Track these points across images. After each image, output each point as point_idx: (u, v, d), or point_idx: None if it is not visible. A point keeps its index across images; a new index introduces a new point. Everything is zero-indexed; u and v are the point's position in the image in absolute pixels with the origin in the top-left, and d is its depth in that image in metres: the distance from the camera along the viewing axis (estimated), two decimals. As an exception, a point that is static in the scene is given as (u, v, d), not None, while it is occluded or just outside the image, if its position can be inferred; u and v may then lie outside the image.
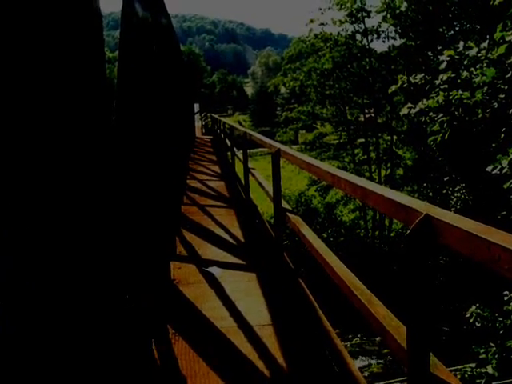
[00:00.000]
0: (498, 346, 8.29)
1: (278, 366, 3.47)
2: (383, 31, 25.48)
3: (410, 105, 7.91)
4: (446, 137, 7.06)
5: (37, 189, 1.47)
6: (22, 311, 1.47)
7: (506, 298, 8.23)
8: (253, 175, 7.51)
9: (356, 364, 3.22)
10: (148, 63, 4.39)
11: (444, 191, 17.96)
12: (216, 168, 13.76)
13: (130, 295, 3.39)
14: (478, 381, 8.20)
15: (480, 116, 6.76)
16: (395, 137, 25.52)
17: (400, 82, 8.73)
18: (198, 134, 26.25)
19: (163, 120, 5.47)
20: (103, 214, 1.90)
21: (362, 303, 2.60)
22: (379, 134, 26.21)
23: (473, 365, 8.66)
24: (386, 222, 25.12)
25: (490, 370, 8.16)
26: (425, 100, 7.51)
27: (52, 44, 1.51)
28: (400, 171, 25.83)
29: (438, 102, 7.05)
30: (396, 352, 2.22)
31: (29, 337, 1.47)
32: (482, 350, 8.56)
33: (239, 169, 9.69)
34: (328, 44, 26.83)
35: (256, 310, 4.31)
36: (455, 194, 16.74)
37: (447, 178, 17.58)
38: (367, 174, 25.94)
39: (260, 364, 3.48)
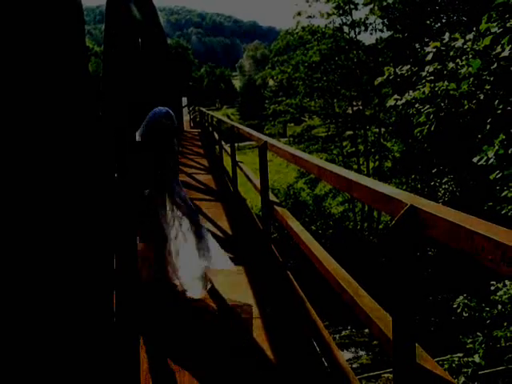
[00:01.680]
0: (484, 336, 8.36)
1: (266, 358, 3.47)
2: (371, 23, 25.56)
3: (396, 96, 7.92)
4: (433, 128, 7.08)
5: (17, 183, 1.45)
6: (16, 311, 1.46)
7: (492, 288, 8.30)
8: (240, 168, 7.50)
9: (345, 356, 3.23)
10: (135, 57, 4.37)
11: (432, 183, 18.05)
12: (204, 161, 13.73)
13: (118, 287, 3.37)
14: (464, 370, 8.27)
15: (466, 107, 6.78)
16: (383, 129, 25.61)
17: (386, 74, 8.73)
18: (186, 127, 26.16)
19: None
20: (90, 210, 1.88)
21: (349, 295, 2.60)
22: (367, 127, 26.27)
23: (460, 354, 8.73)
24: (375, 214, 25.23)
25: (476, 359, 8.24)
26: (411, 91, 7.52)
27: (31, 38, 1.49)
28: (388, 163, 25.91)
29: (424, 93, 7.06)
30: (382, 343, 2.23)
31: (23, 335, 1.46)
32: (469, 340, 8.63)
33: (227, 162, 9.67)
34: (315, 36, 26.84)
35: (244, 303, 4.31)
36: (443, 186, 16.83)
37: (435, 169, 17.67)
38: (355, 166, 26.02)
39: (248, 356, 3.48)
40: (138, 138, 4.33)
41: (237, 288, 4.59)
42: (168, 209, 4.45)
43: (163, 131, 4.36)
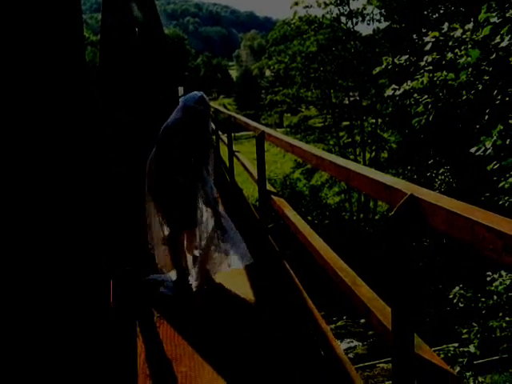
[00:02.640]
0: (480, 326, 8.39)
1: (263, 348, 3.47)
2: (368, 14, 25.46)
3: (394, 86, 7.89)
4: (431, 118, 7.06)
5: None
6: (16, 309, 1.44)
7: (488, 279, 8.32)
8: (237, 158, 7.48)
9: (341, 346, 3.23)
10: (130, 46, 4.34)
11: (428, 174, 18.04)
12: (201, 151, 13.67)
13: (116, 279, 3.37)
14: (460, 360, 8.30)
15: (464, 97, 6.76)
16: (380, 120, 25.58)
17: (385, 64, 8.69)
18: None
19: (146, 102, 5.41)
20: (92, 205, 1.86)
21: (346, 285, 2.60)
22: (364, 117, 26.24)
23: (456, 344, 8.76)
24: (371, 204, 25.27)
25: (472, 349, 8.27)
26: (409, 81, 7.49)
27: (29, 28, 1.46)
28: (385, 154, 25.92)
29: (422, 83, 7.04)
30: (381, 333, 2.22)
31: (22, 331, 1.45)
32: (465, 330, 8.66)
33: (224, 152, 9.64)
34: (313, 27, 26.71)
35: (241, 292, 4.31)
36: (439, 177, 16.82)
37: (431, 160, 17.66)
38: (352, 156, 26.00)
39: (245, 347, 3.48)
40: (170, 123, 4.26)
41: (234, 277, 4.58)
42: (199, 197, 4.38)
43: (196, 117, 4.25)
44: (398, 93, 7.73)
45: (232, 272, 4.61)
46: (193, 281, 4.40)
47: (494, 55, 6.35)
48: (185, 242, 4.59)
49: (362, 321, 16.33)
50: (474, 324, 8.57)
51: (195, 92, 4.36)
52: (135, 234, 4.32)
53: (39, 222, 1.63)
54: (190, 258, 4.59)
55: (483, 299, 8.53)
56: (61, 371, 1.65)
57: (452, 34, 7.02)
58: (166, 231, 4.38)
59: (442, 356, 8.40)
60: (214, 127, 4.53)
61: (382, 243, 19.53)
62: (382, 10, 24.08)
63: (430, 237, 17.61)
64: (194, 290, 4.34)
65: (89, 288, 1.93)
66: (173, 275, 4.49)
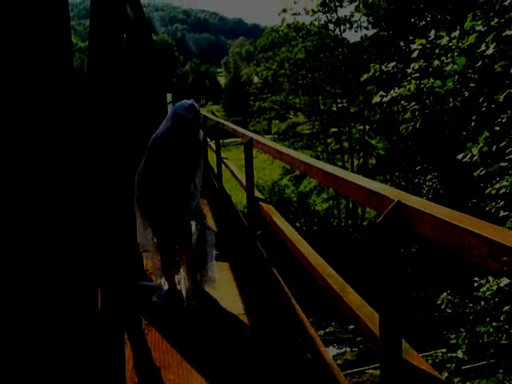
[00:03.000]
0: (467, 332, 8.44)
1: (251, 355, 3.47)
2: (356, 21, 25.60)
3: (381, 93, 7.94)
4: (418, 125, 7.12)
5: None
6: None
7: (475, 285, 8.38)
8: (226, 165, 7.48)
9: (330, 352, 3.23)
10: (119, 53, 4.32)
11: (416, 180, 18.15)
12: (189, 158, 13.66)
13: (103, 285, 3.34)
14: (448, 365, 8.35)
15: (451, 104, 6.83)
16: (368, 126, 25.70)
17: (372, 71, 8.76)
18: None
19: (134, 110, 5.40)
20: (79, 206, 1.86)
21: (335, 291, 2.60)
22: (352, 124, 26.35)
23: (444, 350, 8.81)
24: (359, 211, 25.35)
25: (460, 354, 8.32)
26: (397, 88, 7.55)
27: (16, 33, 1.46)
28: (373, 161, 26.02)
29: (409, 90, 7.10)
30: (369, 339, 2.23)
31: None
32: (453, 336, 8.71)
33: (212, 159, 9.64)
34: (301, 34, 26.81)
35: (230, 300, 4.30)
36: (427, 183, 16.93)
37: (419, 167, 17.76)
38: (340, 163, 26.09)
39: (234, 354, 3.48)
40: (159, 133, 4.13)
41: (222, 284, 4.57)
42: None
43: (186, 125, 4.13)
44: (385, 100, 7.78)
45: (220, 279, 4.61)
46: (184, 292, 4.31)
47: (479, 63, 6.42)
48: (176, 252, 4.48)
49: (351, 327, 16.34)
50: (462, 329, 8.62)
51: (185, 100, 4.26)
52: (127, 236, 4.28)
53: (26, 225, 1.62)
54: (182, 269, 4.44)
55: (471, 305, 8.59)
56: (47, 379, 1.63)
57: (438, 41, 7.09)
58: (155, 239, 4.31)
59: (430, 362, 8.43)
60: (202, 134, 4.45)
61: (370, 249, 19.59)
62: (370, 18, 24.22)
63: (417, 243, 17.69)
64: (185, 301, 4.26)
65: (77, 294, 1.92)
66: (164, 283, 4.43)
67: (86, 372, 1.95)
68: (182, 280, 4.37)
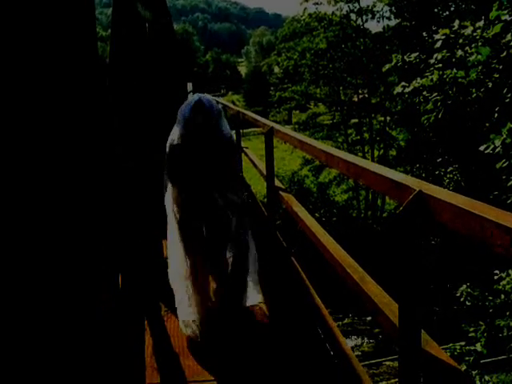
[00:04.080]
0: (486, 325, 8.37)
1: (270, 343, 3.49)
2: (378, 11, 25.28)
3: (404, 83, 7.87)
4: (440, 116, 7.04)
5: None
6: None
7: (496, 277, 8.30)
8: (246, 154, 7.49)
9: (347, 343, 3.24)
10: (140, 42, 4.34)
11: (437, 172, 17.98)
12: (209, 147, 13.69)
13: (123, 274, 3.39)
14: (466, 358, 8.30)
15: (474, 95, 6.74)
16: (389, 117, 25.47)
17: (394, 61, 8.68)
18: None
19: (156, 98, 5.42)
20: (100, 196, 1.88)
21: (354, 281, 2.60)
22: (373, 115, 26.14)
23: (462, 343, 8.76)
24: (379, 202, 25.19)
25: (478, 347, 8.26)
26: (419, 79, 7.47)
27: (41, 24, 1.48)
28: (393, 152, 25.80)
29: (432, 80, 7.02)
30: (388, 329, 2.23)
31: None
32: (472, 329, 8.65)
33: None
34: (322, 24, 26.59)
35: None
36: (448, 175, 16.76)
37: (440, 159, 17.59)
38: (360, 154, 25.89)
39: (252, 342, 3.50)
40: (175, 143, 3.61)
41: (241, 273, 4.58)
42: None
43: (197, 132, 3.56)
44: (407, 90, 7.71)
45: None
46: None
47: (504, 53, 6.32)
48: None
49: (369, 319, 16.32)
50: (481, 323, 8.55)
51: (195, 95, 3.69)
52: (146, 223, 4.31)
53: (47, 215, 1.64)
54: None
55: (490, 298, 8.51)
56: (68, 365, 1.66)
57: (462, 31, 7.00)
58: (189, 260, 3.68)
59: (448, 354, 8.40)
60: (227, 129, 3.91)
61: (391, 239, 19.48)
62: (392, 8, 23.93)
63: (437, 235, 17.55)
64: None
65: (97, 283, 1.95)
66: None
67: (107, 358, 1.98)
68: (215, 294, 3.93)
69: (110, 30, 3.39)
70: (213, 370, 3.15)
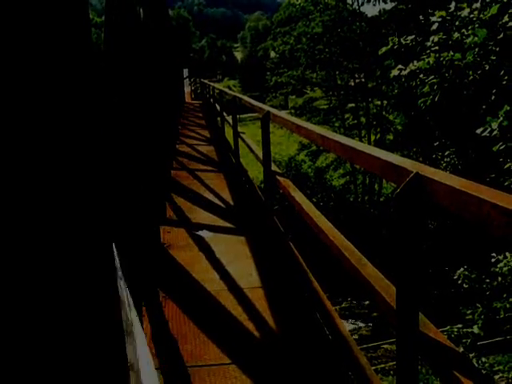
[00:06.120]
0: (484, 307, 8.42)
1: (268, 327, 3.49)
2: (374, -6, 25.14)
3: (400, 66, 7.83)
4: (437, 99, 7.01)
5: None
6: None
7: (493, 260, 8.34)
8: (242, 139, 7.47)
9: (345, 327, 3.25)
10: (135, 28, 4.30)
11: (434, 156, 17.98)
12: (206, 133, 13.67)
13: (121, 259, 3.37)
14: (464, 340, 8.35)
15: (471, 78, 6.71)
16: (385, 101, 25.41)
17: (391, 44, 8.64)
18: (187, 99, 26.02)
19: (151, 85, 5.39)
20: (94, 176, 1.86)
21: (351, 264, 2.60)
22: (369, 99, 26.09)
23: (460, 325, 8.81)
24: (376, 186, 25.24)
25: (475, 330, 8.32)
26: (415, 61, 7.43)
27: (31, 9, 1.45)
28: (390, 136, 25.79)
29: (428, 63, 6.98)
30: (385, 312, 2.23)
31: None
32: (469, 311, 8.70)
33: (229, 134, 9.63)
34: (318, 8, 26.43)
35: (246, 273, 4.32)
36: (445, 159, 16.75)
37: (437, 142, 17.57)
38: (357, 138, 25.85)
39: (250, 326, 3.51)
40: None
41: (239, 258, 4.60)
42: None
43: None
44: (403, 73, 7.67)
45: (237, 252, 4.64)
46: None
47: (501, 35, 6.28)
48: None
49: (366, 302, 16.41)
50: (478, 305, 8.60)
51: None
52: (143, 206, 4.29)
53: (48, 209, 1.63)
54: None
55: (487, 280, 8.55)
56: (66, 352, 1.66)
57: (459, 13, 6.95)
58: None
59: (445, 337, 8.46)
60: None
61: (388, 222, 19.51)
62: (388, -9, 23.79)
63: (434, 218, 17.60)
64: None
65: (94, 268, 1.94)
66: None
67: (102, 343, 1.97)
68: None
69: (104, 17, 3.36)
70: (212, 354, 3.16)
